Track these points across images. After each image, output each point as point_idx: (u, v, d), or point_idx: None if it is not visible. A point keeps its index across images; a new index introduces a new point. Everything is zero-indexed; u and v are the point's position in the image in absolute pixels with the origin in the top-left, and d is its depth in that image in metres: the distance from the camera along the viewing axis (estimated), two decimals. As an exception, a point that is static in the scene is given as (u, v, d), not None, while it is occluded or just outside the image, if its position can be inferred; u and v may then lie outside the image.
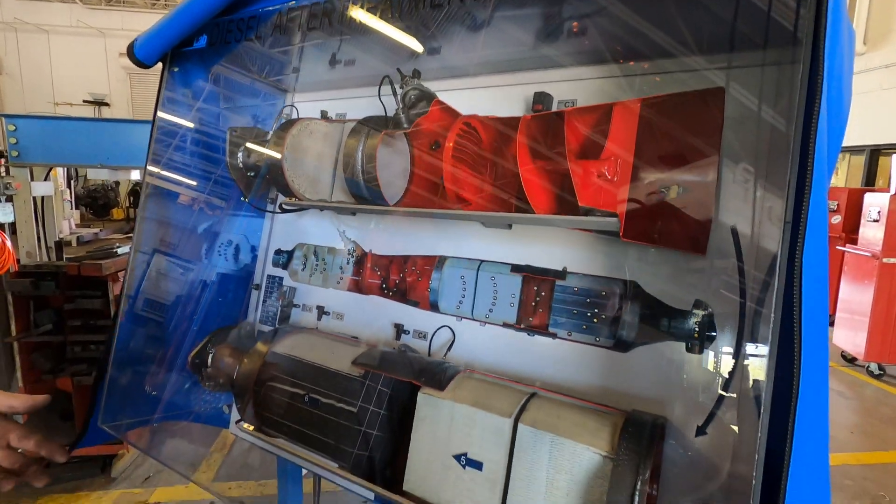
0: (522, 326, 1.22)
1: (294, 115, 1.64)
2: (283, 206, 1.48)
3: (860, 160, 7.05)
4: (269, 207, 1.58)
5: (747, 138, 0.98)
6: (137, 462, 3.63)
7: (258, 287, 1.75)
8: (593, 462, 0.82)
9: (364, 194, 1.23)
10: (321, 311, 1.57)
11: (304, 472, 2.00)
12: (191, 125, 1.60)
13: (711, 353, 1.02)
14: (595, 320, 1.14)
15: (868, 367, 5.00)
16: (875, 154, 6.85)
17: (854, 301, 5.01)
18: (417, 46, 1.42)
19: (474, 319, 1.30)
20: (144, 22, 12.42)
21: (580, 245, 1.18)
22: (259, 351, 1.25)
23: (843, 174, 7.67)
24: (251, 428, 1.25)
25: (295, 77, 1.76)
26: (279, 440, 1.22)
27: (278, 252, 1.72)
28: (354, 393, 1.10)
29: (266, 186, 1.53)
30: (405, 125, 1.15)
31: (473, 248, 1.34)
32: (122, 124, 4.16)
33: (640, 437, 0.79)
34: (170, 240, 1.95)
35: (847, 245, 5.29)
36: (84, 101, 14.41)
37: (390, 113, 1.30)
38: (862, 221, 5.06)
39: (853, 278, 5.06)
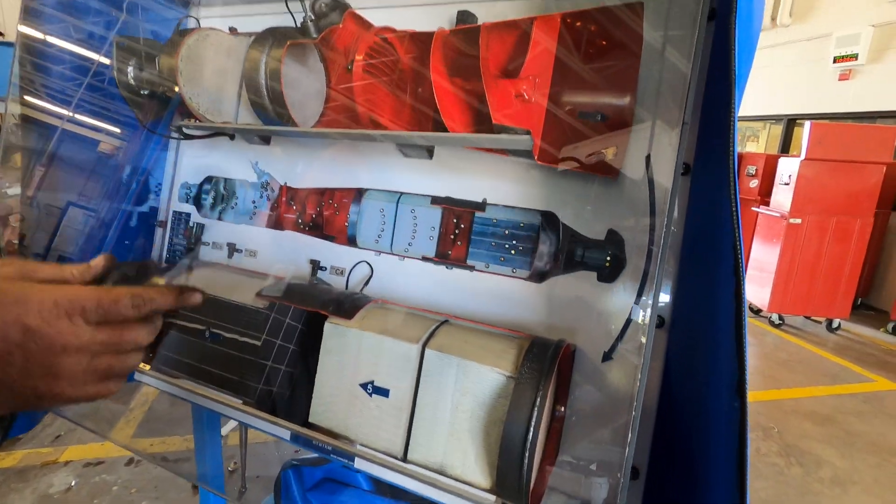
0: (441, 260, 1.19)
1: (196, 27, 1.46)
2: (182, 129, 1.33)
3: (779, 129, 7.52)
4: (173, 135, 1.42)
5: (659, 63, 0.97)
6: (46, 421, 3.39)
7: (163, 224, 1.60)
8: (497, 382, 0.81)
9: (272, 117, 1.12)
10: (232, 249, 1.47)
11: (225, 421, 1.92)
12: (68, 43, 1.39)
13: (621, 283, 1.04)
14: (512, 252, 1.12)
15: (770, 317, 5.51)
16: (791, 123, 7.34)
17: (763, 259, 5.45)
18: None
19: (393, 254, 1.26)
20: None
21: (500, 175, 1.15)
22: (156, 286, 1.13)
23: (763, 142, 8.19)
24: (147, 367, 1.16)
25: (200, -12, 1.56)
26: (182, 380, 1.14)
27: (185, 186, 1.57)
28: (259, 326, 1.03)
29: (164, 109, 1.36)
30: (313, 34, 1.05)
31: (394, 180, 1.27)
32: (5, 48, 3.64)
33: (542, 358, 0.79)
34: (74, 188, 1.74)
35: (761, 207, 5.70)
36: (-28, 30, 12.50)
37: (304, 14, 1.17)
38: (775, 185, 5.44)
39: (764, 238, 5.49)
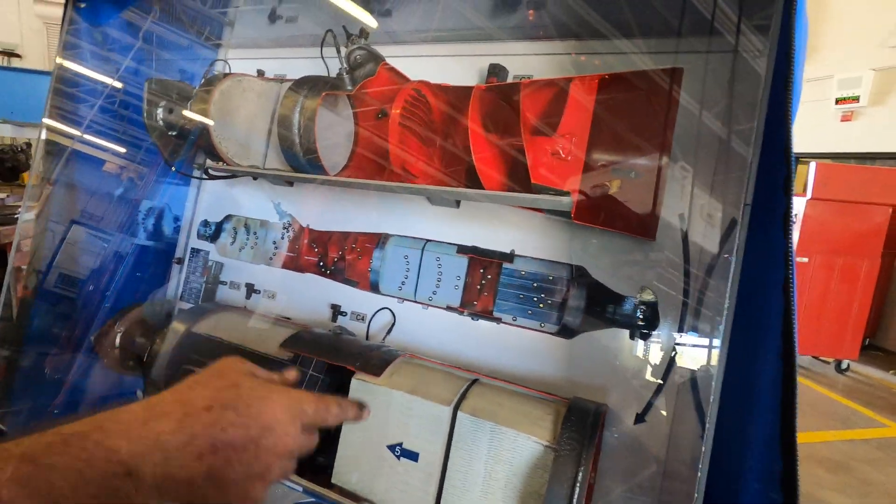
0: (466, 310, 1.17)
1: (227, 69, 1.48)
2: (210, 172, 1.33)
3: (782, 167, 7.58)
4: (196, 173, 1.42)
5: (699, 124, 0.97)
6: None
7: (180, 261, 1.59)
8: (534, 452, 0.78)
9: (301, 163, 1.12)
10: (251, 290, 1.45)
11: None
12: (102, 77, 1.40)
13: (654, 342, 1.02)
14: (541, 305, 1.10)
15: (778, 357, 5.43)
16: (796, 161, 7.40)
17: (770, 296, 5.41)
18: (365, 12, 1.31)
19: (417, 302, 1.23)
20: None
21: (529, 227, 1.14)
22: (175, 330, 1.11)
23: (767, 179, 8.25)
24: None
25: (230, 30, 1.59)
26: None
27: (205, 223, 1.56)
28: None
29: (193, 150, 1.37)
30: (349, 87, 1.05)
31: (419, 227, 1.26)
32: (31, 75, 3.71)
33: (581, 427, 0.76)
34: (79, 207, 1.74)
35: (767, 244, 5.69)
36: (-10, 51, 12.78)
37: (334, 74, 1.19)
38: (781, 223, 5.45)
39: (770, 275, 5.46)
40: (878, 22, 6.04)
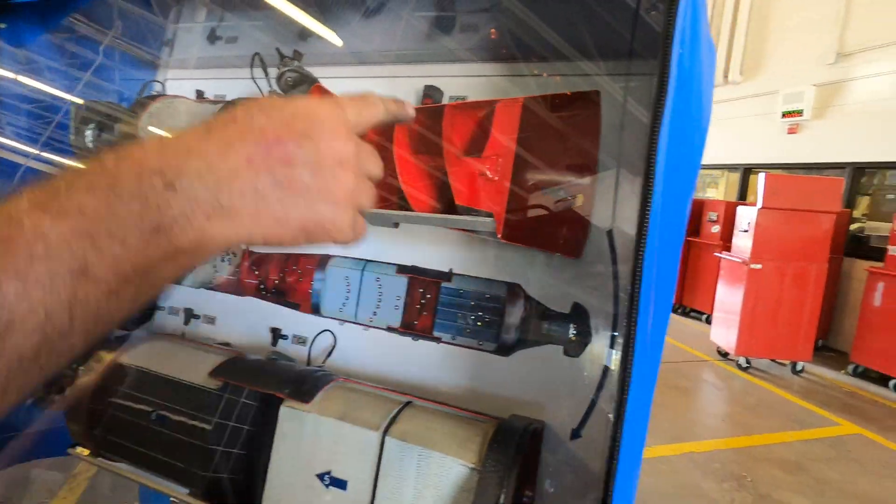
0: (407, 330, 1.16)
1: (162, 92, 1.45)
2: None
3: (737, 177, 7.92)
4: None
5: (620, 143, 1.00)
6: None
7: (117, 287, 1.53)
8: (459, 475, 0.77)
9: (232, 184, 1.10)
10: (189, 315, 1.40)
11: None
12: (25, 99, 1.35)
13: (588, 356, 1.03)
14: (479, 324, 1.10)
15: (738, 361, 5.60)
16: (747, 172, 7.74)
17: (728, 302, 5.60)
18: (306, 25, 1.32)
19: (357, 323, 1.22)
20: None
21: (467, 246, 1.15)
22: (100, 361, 1.06)
23: (723, 189, 8.58)
24: (86, 452, 1.07)
25: (168, 50, 1.56)
26: (121, 465, 1.05)
27: (142, 247, 1.51)
28: (211, 408, 0.97)
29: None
30: (279, 109, 1.04)
31: (360, 247, 1.26)
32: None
33: (507, 447, 0.76)
34: None
35: (723, 252, 5.90)
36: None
37: (268, 89, 1.18)
38: (735, 232, 5.67)
39: (728, 282, 5.66)
40: (817, 41, 6.42)
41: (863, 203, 6.33)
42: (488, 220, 0.82)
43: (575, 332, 1.03)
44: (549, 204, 0.91)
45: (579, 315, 1.03)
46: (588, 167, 0.97)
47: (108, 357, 1.10)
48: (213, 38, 1.52)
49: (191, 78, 1.52)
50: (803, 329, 5.33)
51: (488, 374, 1.10)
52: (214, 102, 1.27)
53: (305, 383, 0.96)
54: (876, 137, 5.84)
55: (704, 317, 7.01)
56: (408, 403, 0.94)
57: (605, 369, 0.99)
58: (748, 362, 5.52)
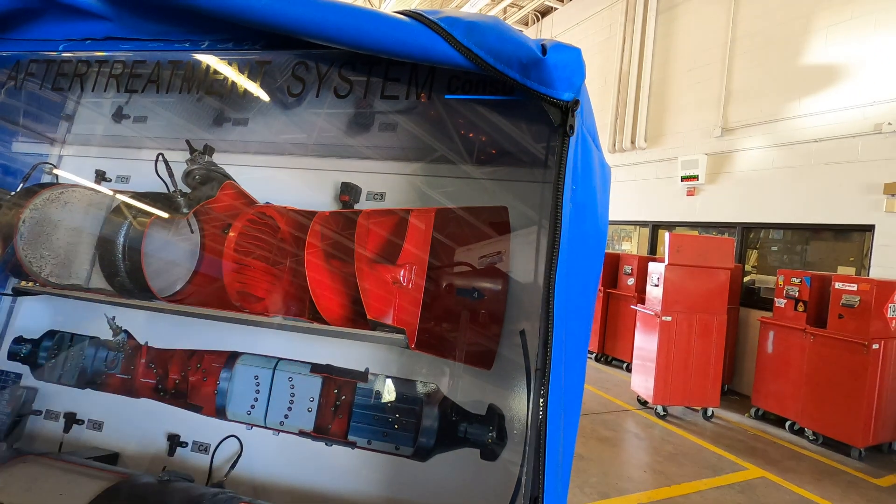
0: (320, 435, 1.11)
1: (57, 175, 1.34)
2: (17, 290, 1.16)
3: (647, 231, 8.61)
4: (9, 286, 1.23)
5: (529, 249, 1.06)
6: None
7: (-17, 387, 1.33)
8: None
9: (126, 285, 1.02)
10: (71, 420, 1.24)
11: None
12: None
13: (504, 460, 1.03)
14: (395, 427, 1.08)
15: (656, 409, 5.88)
16: (655, 228, 8.47)
17: (645, 352, 5.93)
18: (221, 116, 1.29)
19: (267, 427, 1.14)
20: None
21: (384, 345, 1.13)
22: (-53, 496, 0.90)
23: (636, 242, 9.28)
24: None
25: (66, 126, 1.46)
26: None
27: (19, 341, 1.34)
28: (84, 550, 0.84)
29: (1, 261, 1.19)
30: (184, 208, 1.00)
31: (272, 344, 1.20)
32: None
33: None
34: None
35: (638, 304, 6.30)
36: None
37: (173, 188, 1.12)
38: (647, 285, 6.09)
39: (644, 332, 6.02)
40: (706, 117, 7.34)
41: (752, 257, 7.12)
42: (400, 336, 0.82)
43: (491, 434, 1.03)
44: (460, 315, 0.93)
45: (495, 417, 1.04)
46: (499, 274, 1.01)
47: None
48: (119, 115, 1.44)
49: (91, 156, 1.43)
50: (711, 376, 5.74)
51: (406, 481, 1.06)
52: (113, 192, 1.19)
53: (201, 513, 0.87)
54: (758, 201, 6.66)
55: (625, 365, 7.36)
56: (315, 531, 0.88)
57: (520, 476, 0.99)
58: (665, 410, 5.81)
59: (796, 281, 5.62)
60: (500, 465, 1.03)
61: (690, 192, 7.54)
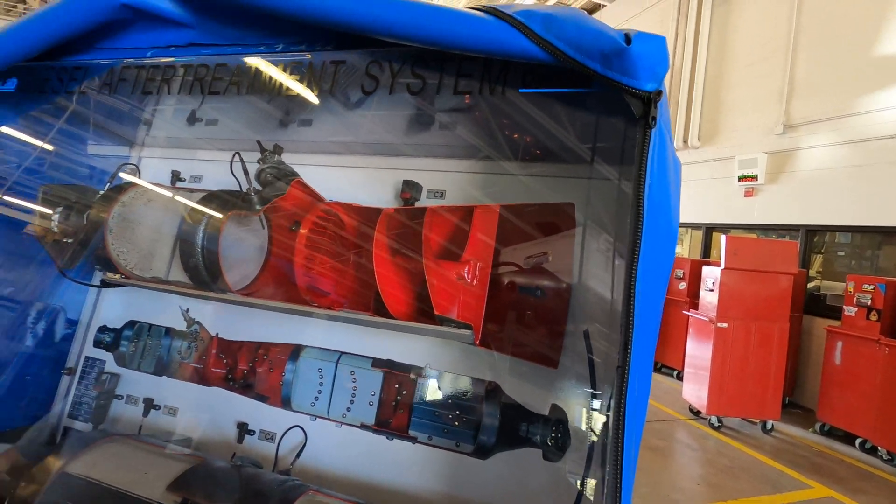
0: (381, 429, 1.12)
1: (138, 175, 1.43)
2: (105, 281, 1.25)
3: (699, 234, 8.26)
4: (96, 278, 1.33)
5: (597, 245, 1.03)
6: None
7: (71, 371, 1.44)
8: None
9: (203, 277, 1.07)
10: (149, 405, 1.32)
11: None
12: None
13: (568, 461, 1.01)
14: (456, 423, 1.08)
15: (710, 420, 5.62)
16: (709, 231, 8.10)
17: (698, 360, 5.68)
18: (287, 117, 1.34)
19: (330, 419, 1.17)
20: (-8, 27, 10.76)
21: (445, 342, 1.14)
22: (46, 470, 0.98)
23: (687, 246, 8.91)
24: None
25: (145, 130, 1.56)
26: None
27: (103, 330, 1.44)
28: (166, 528, 0.89)
29: (90, 256, 1.28)
30: (257, 206, 1.04)
31: (335, 338, 1.23)
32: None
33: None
34: None
35: (690, 310, 6.04)
36: None
37: (246, 186, 1.17)
38: (701, 290, 5.84)
39: (697, 340, 5.77)
40: (766, 113, 6.95)
41: (817, 261, 6.67)
42: (467, 332, 0.82)
43: (553, 435, 1.02)
44: (524, 312, 0.92)
45: (558, 417, 1.02)
46: (564, 272, 0.99)
47: (55, 464, 1.02)
48: (192, 119, 1.52)
49: (167, 157, 1.51)
50: (771, 387, 5.42)
51: (466, 479, 1.06)
52: (188, 191, 1.25)
53: (273, 498, 0.91)
54: (824, 202, 6.24)
55: (675, 373, 7.08)
56: (382, 522, 0.89)
57: (581, 488, 0.96)
58: (720, 421, 5.54)
59: (868, 288, 5.23)
60: (564, 467, 1.01)
61: (748, 193, 7.16)
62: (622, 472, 0.57)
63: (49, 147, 1.31)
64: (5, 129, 1.20)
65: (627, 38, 0.59)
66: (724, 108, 7.77)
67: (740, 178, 7.09)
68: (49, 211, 1.17)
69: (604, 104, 0.83)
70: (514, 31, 0.64)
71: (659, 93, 0.63)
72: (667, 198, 0.86)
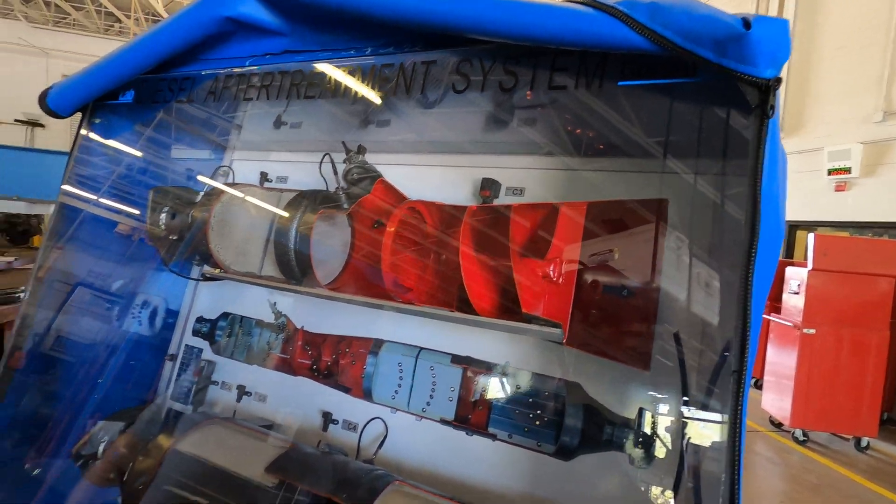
0: (461, 424, 1.13)
1: (230, 177, 1.54)
2: (205, 275, 1.35)
3: (780, 233, 7.66)
4: (194, 272, 1.44)
5: (689, 244, 0.98)
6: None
7: (173, 357, 1.57)
8: None
9: (295, 273, 1.13)
10: (242, 392, 1.42)
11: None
12: (111, 179, 1.46)
13: (656, 469, 0.97)
14: (537, 423, 1.07)
15: (794, 433, 5.20)
16: (793, 229, 7.48)
17: (780, 368, 5.27)
18: (366, 118, 1.38)
19: (410, 412, 1.20)
20: (94, 46, 11.93)
21: (524, 339, 1.13)
22: (159, 447, 1.08)
23: (767, 245, 8.30)
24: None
25: (237, 134, 1.67)
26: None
27: (201, 320, 1.56)
28: (265, 507, 0.95)
29: (191, 250, 1.39)
30: (344, 204, 1.08)
31: (414, 333, 1.25)
32: (50, 155, 3.88)
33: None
34: (87, 269, 1.71)
35: (772, 314, 5.62)
36: (16, 121, 13.43)
37: (333, 185, 1.23)
38: (784, 293, 5.41)
39: (779, 346, 5.35)
40: (862, 100, 6.32)
41: (922, 264, 5.97)
42: (556, 330, 0.81)
43: (640, 440, 0.98)
44: (612, 312, 0.89)
45: (646, 422, 0.98)
46: (652, 270, 0.95)
47: (166, 442, 1.11)
48: (278, 123, 1.61)
49: (255, 160, 1.61)
50: (866, 401, 4.92)
51: (547, 480, 1.05)
52: (278, 191, 1.33)
53: (361, 486, 0.94)
54: (933, 197, 5.58)
55: (753, 381, 6.61)
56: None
57: (678, 484, 0.93)
58: (805, 435, 5.11)
59: None
60: (652, 473, 0.97)
61: (840, 187, 6.55)
62: (738, 481, 0.54)
63: (156, 152, 1.44)
64: (124, 137, 1.34)
65: (746, 23, 0.56)
66: (810, 96, 7.15)
67: (830, 171, 6.49)
68: (161, 212, 1.28)
69: (704, 94, 0.79)
70: (617, 23, 0.62)
71: (778, 80, 0.59)
72: (777, 193, 0.81)
